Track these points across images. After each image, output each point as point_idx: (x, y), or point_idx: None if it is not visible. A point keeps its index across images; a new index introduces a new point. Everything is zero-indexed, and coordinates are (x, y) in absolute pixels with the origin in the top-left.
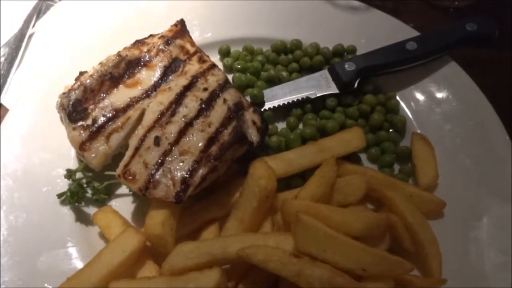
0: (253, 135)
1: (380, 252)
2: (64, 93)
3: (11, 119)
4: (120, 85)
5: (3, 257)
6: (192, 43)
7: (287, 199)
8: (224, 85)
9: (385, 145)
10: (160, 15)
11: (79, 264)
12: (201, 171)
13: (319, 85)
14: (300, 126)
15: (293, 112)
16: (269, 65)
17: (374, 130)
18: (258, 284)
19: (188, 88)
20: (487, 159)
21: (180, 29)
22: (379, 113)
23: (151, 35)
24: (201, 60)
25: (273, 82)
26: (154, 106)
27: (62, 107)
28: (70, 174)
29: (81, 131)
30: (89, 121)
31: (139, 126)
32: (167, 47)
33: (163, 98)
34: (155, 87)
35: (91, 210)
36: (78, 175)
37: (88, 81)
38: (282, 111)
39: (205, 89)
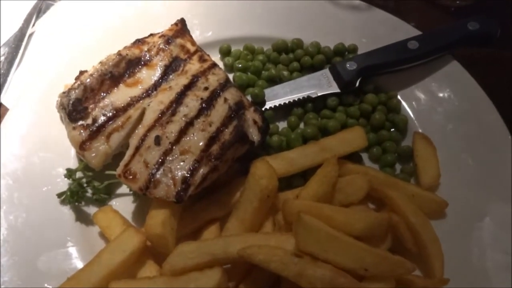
0: (254, 135)
1: (382, 252)
2: (64, 93)
3: (11, 119)
4: (121, 84)
5: (3, 257)
6: (193, 42)
7: (288, 199)
8: (224, 84)
9: (386, 145)
10: (161, 14)
11: (79, 264)
12: (202, 171)
13: (320, 84)
14: (301, 125)
15: (294, 112)
16: (270, 64)
17: (375, 130)
18: (259, 284)
19: (188, 87)
20: (490, 158)
21: (181, 28)
22: (380, 113)
23: (151, 34)
24: (202, 59)
25: (274, 81)
26: (155, 106)
27: (62, 107)
28: (70, 173)
29: (81, 131)
30: (89, 121)
31: (140, 126)
32: (167, 46)
33: (164, 97)
34: (156, 86)
35: (91, 209)
36: (78, 174)
37: (88, 80)
38: (283, 111)
39: (206, 88)
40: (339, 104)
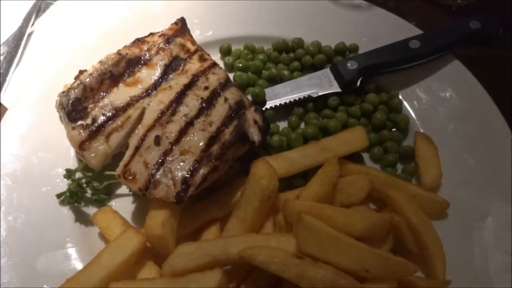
0: (255, 134)
1: (383, 253)
2: (63, 92)
3: (10, 118)
4: (120, 84)
5: (2, 258)
6: (193, 42)
7: (289, 199)
8: (225, 84)
9: (388, 145)
10: (161, 14)
11: (79, 265)
12: (202, 171)
13: (321, 84)
14: (302, 125)
15: (295, 111)
16: (270, 64)
17: (376, 129)
18: (259, 285)
19: (188, 86)
20: (491, 158)
21: (181, 27)
22: (381, 112)
23: (151, 34)
24: (202, 59)
25: (274, 80)
26: (155, 105)
27: (61, 106)
28: (69, 174)
29: (81, 131)
30: (89, 120)
31: (139, 125)
32: (167, 45)
33: (164, 97)
34: (156, 85)
35: (90, 210)
36: (78, 175)
37: (88, 80)
38: (284, 110)
39: (206, 88)
40: (340, 103)
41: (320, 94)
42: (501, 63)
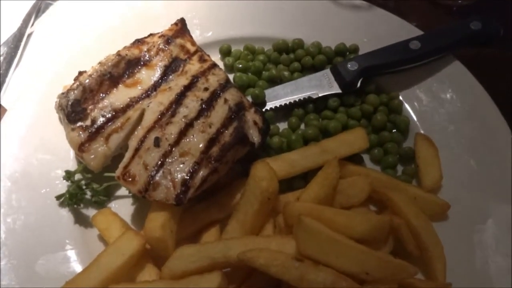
0: (255, 136)
1: (384, 255)
2: (62, 93)
3: (10, 120)
4: (120, 85)
5: (1, 260)
6: (193, 42)
7: (289, 201)
8: (225, 85)
9: (388, 146)
10: (160, 14)
11: (78, 268)
12: (202, 173)
13: (321, 85)
14: (302, 126)
15: (295, 112)
16: (270, 65)
17: (377, 131)
18: (259, 287)
19: (188, 88)
20: (492, 160)
21: (181, 28)
22: (382, 113)
23: (151, 34)
24: (202, 60)
25: (274, 81)
26: (154, 106)
27: (60, 108)
28: (69, 175)
29: (80, 132)
30: (88, 122)
31: (139, 127)
32: (167, 46)
33: (163, 98)
34: (155, 87)
35: (90, 212)
36: (77, 176)
37: (87, 81)
38: (284, 111)
39: (206, 89)
40: (340, 105)
41: (320, 95)
42: (501, 64)
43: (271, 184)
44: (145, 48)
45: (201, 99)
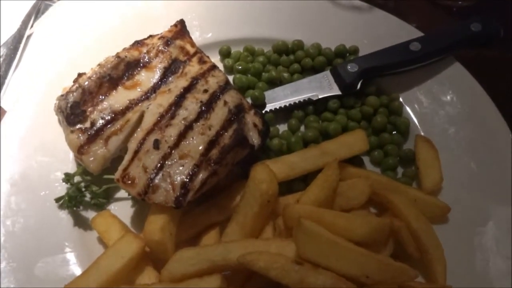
0: (254, 138)
1: (384, 258)
2: (62, 96)
3: (9, 121)
4: (119, 87)
5: (0, 263)
6: (192, 44)
7: (289, 203)
8: (224, 87)
9: (388, 148)
10: (160, 15)
11: (77, 270)
12: (201, 175)
13: (321, 87)
14: (302, 128)
15: (295, 114)
16: (270, 66)
17: (377, 133)
18: None
19: (188, 89)
20: (493, 162)
21: (180, 29)
22: (382, 115)
23: (150, 36)
24: (201, 61)
25: (274, 83)
26: (154, 109)
27: (60, 110)
28: (68, 178)
29: (79, 134)
30: (88, 124)
31: (138, 129)
32: (166, 48)
33: (163, 100)
34: (155, 89)
35: (89, 214)
36: (77, 179)
37: (87, 83)
38: (284, 113)
39: (206, 91)
40: (340, 106)
41: (320, 97)
42: (502, 64)
43: (271, 186)
44: (144, 49)
45: (201, 101)
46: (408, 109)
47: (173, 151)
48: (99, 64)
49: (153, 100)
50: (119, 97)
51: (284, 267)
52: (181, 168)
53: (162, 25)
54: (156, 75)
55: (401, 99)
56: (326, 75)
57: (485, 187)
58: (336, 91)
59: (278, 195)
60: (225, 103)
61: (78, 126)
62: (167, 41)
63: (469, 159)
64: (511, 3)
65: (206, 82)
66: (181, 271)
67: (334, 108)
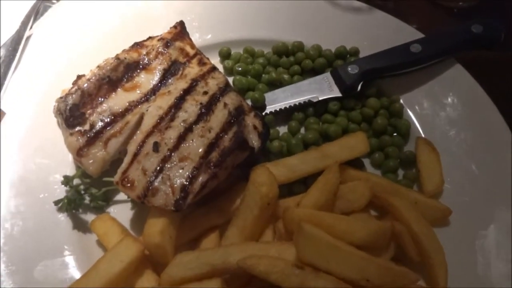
0: (254, 140)
1: (385, 262)
2: (61, 98)
3: (8, 123)
4: (119, 89)
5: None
6: (192, 45)
7: (289, 206)
8: (224, 89)
9: (389, 150)
10: (159, 17)
11: (77, 274)
12: (201, 178)
13: (321, 88)
14: (302, 130)
15: (295, 116)
16: (270, 68)
17: (377, 135)
18: None
19: (187, 91)
20: (494, 164)
21: (180, 31)
22: (382, 117)
23: (150, 37)
24: (201, 63)
25: (274, 85)
26: (153, 111)
27: (59, 112)
28: (67, 180)
29: (79, 137)
30: (87, 126)
31: (138, 131)
32: (166, 49)
33: (162, 102)
34: (154, 90)
35: (88, 217)
36: (76, 181)
37: (86, 85)
38: (284, 115)
39: (205, 93)
40: (340, 108)
41: (320, 98)
42: (502, 65)
43: (271, 189)
44: (144, 51)
45: (201, 103)
46: (408, 111)
47: (172, 154)
48: (98, 66)
49: (153, 102)
50: (119, 99)
51: (284, 271)
52: (180, 171)
53: (162, 27)
54: (155, 77)
55: (401, 101)
56: (327, 76)
57: (486, 189)
58: (336, 93)
59: (278, 197)
60: (225, 105)
61: (77, 128)
62: (167, 42)
63: (470, 161)
64: (511, 4)
65: (206, 84)
66: (180, 275)
67: (334, 110)
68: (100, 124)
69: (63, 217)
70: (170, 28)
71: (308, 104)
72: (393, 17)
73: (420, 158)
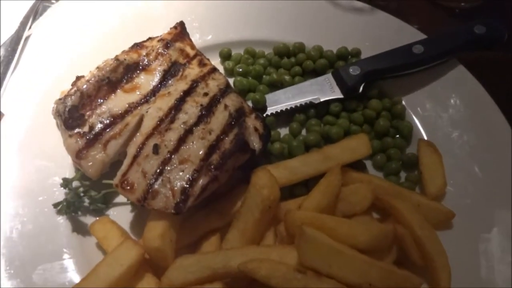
0: (255, 142)
1: (387, 266)
2: (60, 99)
3: (6, 125)
4: (118, 90)
5: None
6: (192, 46)
7: (290, 209)
8: (225, 90)
9: (391, 152)
10: (160, 17)
11: (76, 278)
12: (202, 181)
13: (322, 90)
14: (303, 132)
15: (296, 118)
16: (271, 69)
17: (379, 137)
18: None
19: (188, 93)
20: (497, 167)
21: (180, 31)
22: (384, 119)
23: (150, 38)
24: (202, 64)
25: (275, 86)
26: (153, 112)
27: (58, 114)
28: (66, 183)
29: (78, 139)
30: (86, 128)
31: (138, 133)
32: (166, 50)
33: (162, 103)
34: (154, 92)
35: (88, 220)
36: (75, 184)
37: (85, 86)
38: (285, 117)
39: (206, 94)
40: (342, 110)
41: (322, 100)
42: (503, 65)
43: (272, 192)
44: (144, 52)
45: (201, 105)
46: (411, 112)
47: (172, 156)
48: (97, 67)
49: (153, 104)
50: (118, 101)
51: (286, 275)
52: (181, 173)
53: (162, 27)
54: (155, 78)
55: (403, 103)
56: (328, 78)
57: (489, 192)
58: (338, 94)
59: (280, 200)
60: (226, 106)
61: (77, 130)
62: (167, 43)
63: (473, 163)
64: None
65: (206, 85)
66: (181, 278)
67: (336, 112)
68: (99, 125)
69: (62, 220)
70: (170, 28)
71: (309, 105)
72: (395, 17)
73: (422, 160)
